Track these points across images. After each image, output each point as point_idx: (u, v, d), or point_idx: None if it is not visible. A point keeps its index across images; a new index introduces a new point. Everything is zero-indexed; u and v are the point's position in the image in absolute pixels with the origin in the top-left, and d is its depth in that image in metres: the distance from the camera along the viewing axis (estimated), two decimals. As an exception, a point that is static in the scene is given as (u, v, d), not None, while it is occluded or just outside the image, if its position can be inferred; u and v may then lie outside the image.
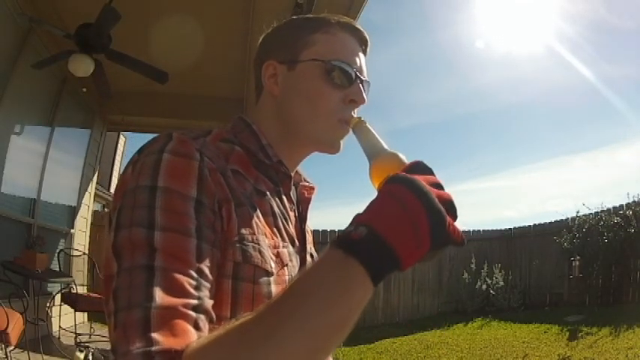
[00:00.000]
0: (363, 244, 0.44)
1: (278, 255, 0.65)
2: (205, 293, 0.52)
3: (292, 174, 0.77)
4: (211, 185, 0.59)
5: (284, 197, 0.74)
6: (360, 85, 0.73)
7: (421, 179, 0.48)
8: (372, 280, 0.44)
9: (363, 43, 0.77)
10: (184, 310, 0.49)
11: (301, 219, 0.79)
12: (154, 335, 0.46)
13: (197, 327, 0.49)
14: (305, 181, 0.84)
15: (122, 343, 0.47)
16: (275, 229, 0.68)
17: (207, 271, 0.54)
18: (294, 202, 0.79)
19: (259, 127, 0.74)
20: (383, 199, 0.48)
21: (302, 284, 0.47)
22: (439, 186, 0.50)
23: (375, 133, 0.67)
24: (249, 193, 0.66)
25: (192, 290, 0.51)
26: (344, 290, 0.44)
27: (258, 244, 0.62)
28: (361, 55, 0.76)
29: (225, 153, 0.67)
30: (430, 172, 0.52)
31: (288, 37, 0.76)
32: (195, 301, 0.50)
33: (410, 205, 0.46)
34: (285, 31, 0.78)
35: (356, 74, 0.73)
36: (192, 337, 0.47)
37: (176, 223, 0.54)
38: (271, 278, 0.62)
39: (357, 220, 0.47)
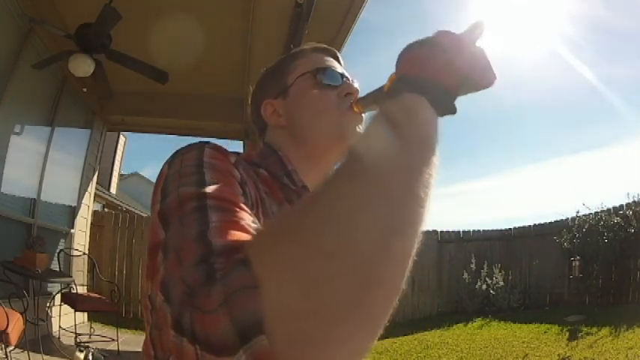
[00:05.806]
0: (398, 85, 0.52)
1: None
2: None
3: None
4: (249, 185, 0.60)
5: None
6: (348, 81, 0.79)
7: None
8: (426, 99, 0.48)
9: (335, 58, 0.84)
10: (245, 225, 0.46)
11: None
12: (213, 240, 0.42)
13: None
14: None
15: (174, 267, 0.42)
16: None
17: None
18: None
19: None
20: (396, 72, 0.56)
21: (367, 143, 0.45)
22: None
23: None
24: (273, 212, 0.66)
25: (248, 218, 0.48)
26: (407, 113, 0.47)
27: None
28: (338, 65, 0.82)
29: (253, 173, 0.68)
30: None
31: (272, 77, 0.83)
32: (253, 224, 0.47)
33: (413, 52, 0.55)
34: (267, 75, 0.85)
35: (341, 74, 0.79)
36: None
37: (226, 183, 0.53)
38: None
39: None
